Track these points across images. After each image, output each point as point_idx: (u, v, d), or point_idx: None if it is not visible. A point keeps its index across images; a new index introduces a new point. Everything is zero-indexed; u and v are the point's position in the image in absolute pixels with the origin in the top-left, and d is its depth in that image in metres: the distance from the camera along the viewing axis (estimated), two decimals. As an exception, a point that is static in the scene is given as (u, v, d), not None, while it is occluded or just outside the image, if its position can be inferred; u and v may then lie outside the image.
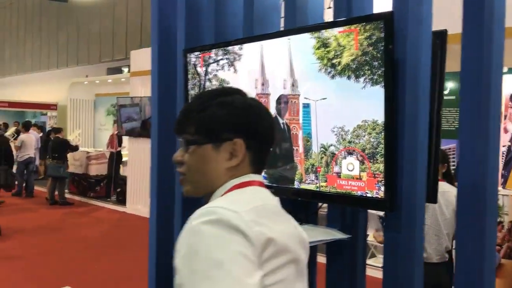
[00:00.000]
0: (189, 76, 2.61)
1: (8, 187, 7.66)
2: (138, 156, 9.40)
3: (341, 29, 1.92)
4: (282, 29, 2.50)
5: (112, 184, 10.48)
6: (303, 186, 2.09)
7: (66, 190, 10.32)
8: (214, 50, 2.47)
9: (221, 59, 2.43)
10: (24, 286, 5.22)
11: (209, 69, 2.49)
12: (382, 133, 1.82)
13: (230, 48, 2.37)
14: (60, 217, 8.85)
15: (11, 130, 15.75)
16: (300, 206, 2.25)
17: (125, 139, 10.60)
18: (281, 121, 2.14)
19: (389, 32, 1.78)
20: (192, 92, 2.60)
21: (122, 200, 9.93)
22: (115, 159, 10.43)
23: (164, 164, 2.92)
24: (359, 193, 1.90)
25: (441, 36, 2.03)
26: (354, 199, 1.92)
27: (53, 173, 9.63)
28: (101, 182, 10.64)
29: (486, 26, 1.83)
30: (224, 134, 1.12)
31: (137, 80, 9.56)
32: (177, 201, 2.83)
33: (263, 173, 2.22)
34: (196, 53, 2.56)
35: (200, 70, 2.54)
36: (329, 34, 1.96)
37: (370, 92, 1.85)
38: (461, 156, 1.90)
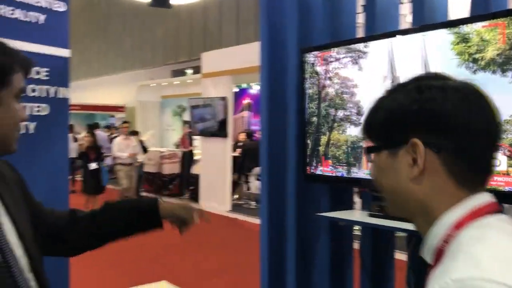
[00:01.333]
0: (306, 75, 2.66)
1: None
2: (210, 155, 9.62)
3: (485, 23, 1.91)
4: (403, 26, 2.51)
5: (185, 183, 10.78)
6: (440, 182, 2.08)
7: (141, 189, 10.72)
8: (335, 48, 2.50)
9: (344, 57, 2.46)
10: (121, 280, 5.49)
11: (330, 68, 2.53)
12: (534, 128, 1.79)
13: (354, 46, 2.40)
14: (139, 214, 9.21)
15: (82, 134, 16.54)
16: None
17: (196, 138, 10.89)
18: (417, 117, 2.14)
19: (542, 24, 1.75)
20: (309, 91, 2.65)
21: (194, 198, 10.19)
22: (187, 158, 10.73)
23: (274, 164, 2.99)
24: (506, 188, 1.88)
25: None
26: (500, 195, 1.90)
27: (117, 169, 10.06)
28: (174, 181, 10.98)
29: None
30: (398, 134, 0.83)
31: (209, 81, 9.78)
32: (289, 202, 2.88)
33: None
34: (315, 52, 2.61)
35: (319, 69, 2.59)
36: (470, 29, 1.95)
37: (519, 86, 1.83)
38: None
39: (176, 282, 5.32)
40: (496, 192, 1.87)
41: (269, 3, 2.95)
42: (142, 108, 16.17)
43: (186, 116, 14.43)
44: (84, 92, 23.01)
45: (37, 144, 2.91)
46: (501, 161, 1.89)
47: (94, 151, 8.66)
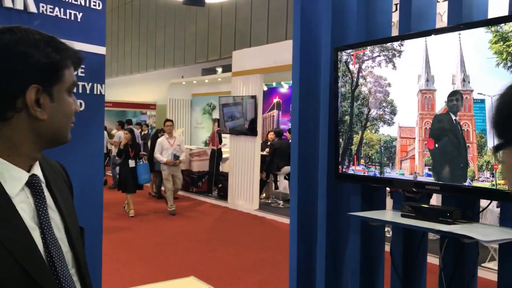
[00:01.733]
0: (340, 74, 2.65)
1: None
2: (239, 153, 9.66)
3: (525, 22, 1.86)
4: (439, 24, 2.47)
5: (213, 180, 10.87)
6: (476, 184, 2.04)
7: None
8: (369, 47, 2.48)
9: (378, 55, 2.44)
10: (150, 274, 5.59)
11: (363, 66, 2.52)
12: None
13: (388, 44, 2.38)
14: (168, 211, 9.34)
15: (114, 130, 16.92)
16: (467, 203, 2.20)
17: (226, 136, 10.95)
18: (453, 117, 2.11)
19: None
20: (342, 90, 2.64)
21: (223, 196, 10.26)
22: (216, 156, 10.80)
23: (305, 163, 2.98)
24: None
25: None
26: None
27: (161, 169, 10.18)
28: (203, 178, 11.07)
29: None
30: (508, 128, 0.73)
31: (239, 79, 9.82)
32: (320, 201, 2.86)
33: (426, 170, 2.21)
34: (349, 50, 2.59)
35: (353, 67, 2.57)
36: (510, 27, 1.91)
37: (561, 87, 1.77)
38: None
39: (204, 278, 5.38)
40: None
41: (303, 2, 2.94)
42: (172, 106, 16.38)
43: (216, 114, 14.54)
44: (116, 89, 23.44)
45: (73, 140, 2.97)
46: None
47: (133, 148, 8.53)
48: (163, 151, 8.75)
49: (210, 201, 10.38)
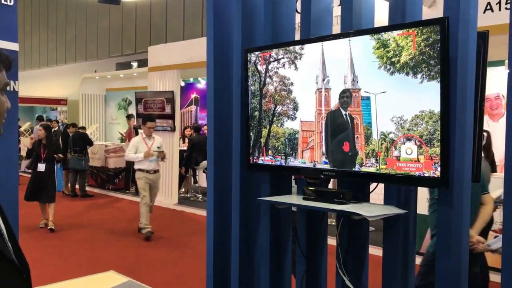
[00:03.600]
0: (249, 73, 2.90)
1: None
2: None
3: (400, 32, 2.22)
4: (333, 31, 2.80)
5: (131, 177, 10.78)
6: (364, 169, 2.39)
7: (87, 183, 10.63)
8: (274, 49, 2.76)
9: (282, 57, 2.72)
10: (70, 271, 5.54)
11: (270, 67, 2.79)
12: (439, 121, 2.12)
13: (291, 47, 2.67)
14: (84, 208, 9.17)
15: (25, 126, 16.09)
16: (359, 186, 2.55)
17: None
18: (343, 112, 2.44)
19: (445, 34, 2.08)
20: (252, 88, 2.90)
21: (141, 192, 10.23)
22: (133, 152, 10.71)
23: (220, 156, 3.20)
24: (417, 173, 2.20)
25: (483, 36, 2.32)
26: (412, 179, 2.23)
27: (75, 166, 9.93)
28: (119, 175, 10.94)
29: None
30: None
31: (155, 74, 9.83)
32: (234, 191, 3.10)
33: (324, 158, 2.53)
34: (257, 52, 2.85)
35: (261, 68, 2.84)
36: (389, 36, 2.26)
37: (427, 87, 2.15)
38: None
39: (124, 272, 5.44)
40: (409, 177, 2.20)
41: (215, 4, 3.15)
42: (85, 101, 15.90)
43: (132, 110, 14.34)
44: (23, 84, 22.12)
45: (-13, 136, 2.98)
46: (412, 150, 2.22)
47: (46, 149, 7.28)
48: (137, 153, 7.08)
49: (128, 198, 10.31)
